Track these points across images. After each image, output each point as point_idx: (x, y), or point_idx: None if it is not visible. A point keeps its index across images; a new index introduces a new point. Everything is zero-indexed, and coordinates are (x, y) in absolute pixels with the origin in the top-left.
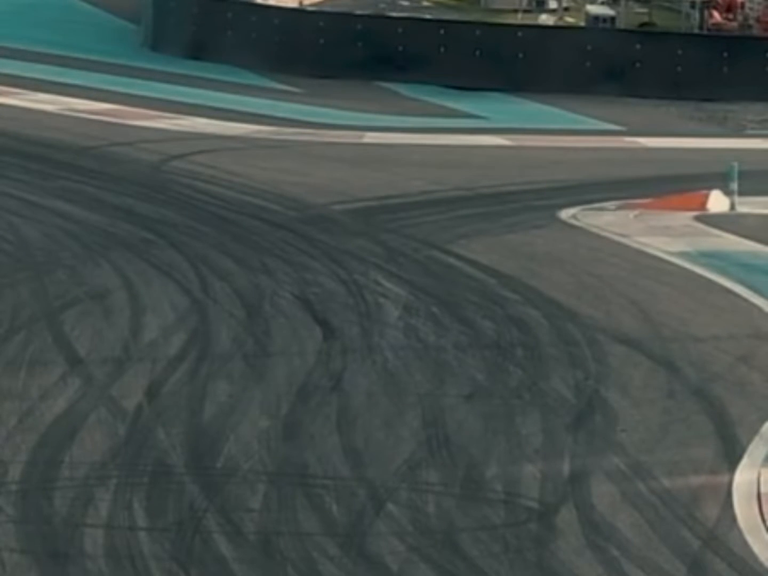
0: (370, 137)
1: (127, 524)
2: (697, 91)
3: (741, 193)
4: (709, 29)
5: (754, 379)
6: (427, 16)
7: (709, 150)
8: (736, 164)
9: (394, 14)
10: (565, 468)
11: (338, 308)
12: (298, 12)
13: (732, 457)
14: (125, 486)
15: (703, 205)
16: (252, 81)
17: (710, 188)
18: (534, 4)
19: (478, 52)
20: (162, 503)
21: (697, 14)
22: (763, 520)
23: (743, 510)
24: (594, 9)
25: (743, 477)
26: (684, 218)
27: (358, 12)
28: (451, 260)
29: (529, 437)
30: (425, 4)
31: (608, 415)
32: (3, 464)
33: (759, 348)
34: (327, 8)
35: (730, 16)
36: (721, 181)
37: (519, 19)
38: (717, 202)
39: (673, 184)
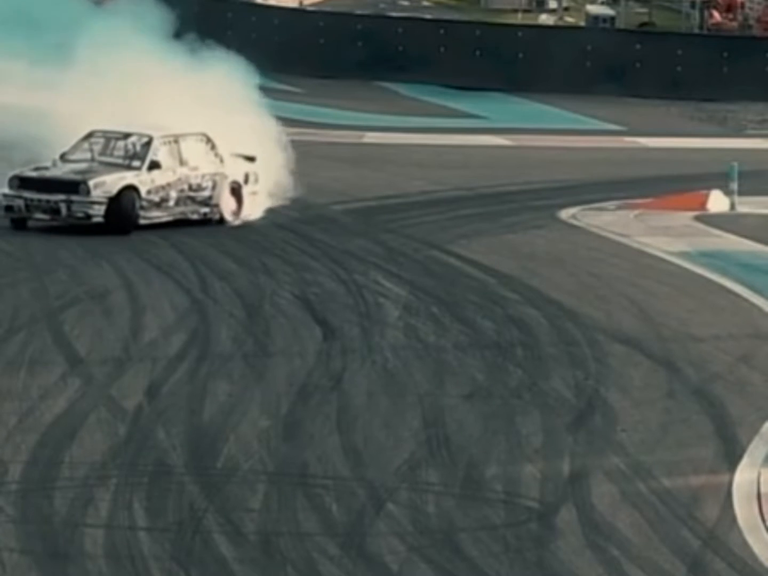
0: (370, 137)
1: (127, 524)
2: (697, 91)
3: (741, 193)
4: (709, 29)
5: (754, 379)
6: (427, 16)
7: (709, 150)
8: (736, 164)
9: (394, 14)
10: (565, 468)
11: (338, 308)
12: (298, 12)
13: (732, 457)
14: (125, 486)
15: (703, 205)
16: None
17: (710, 188)
18: (534, 4)
19: (478, 52)
20: (162, 503)
21: (697, 14)
22: (763, 520)
23: (743, 510)
24: (594, 9)
25: (743, 477)
26: (684, 218)
27: (358, 12)
28: (451, 260)
29: (529, 437)
30: (425, 4)
31: (608, 415)
32: (3, 464)
33: (759, 348)
34: (327, 8)
35: (730, 16)
36: (721, 181)
37: (519, 19)
38: (717, 202)
39: (673, 184)
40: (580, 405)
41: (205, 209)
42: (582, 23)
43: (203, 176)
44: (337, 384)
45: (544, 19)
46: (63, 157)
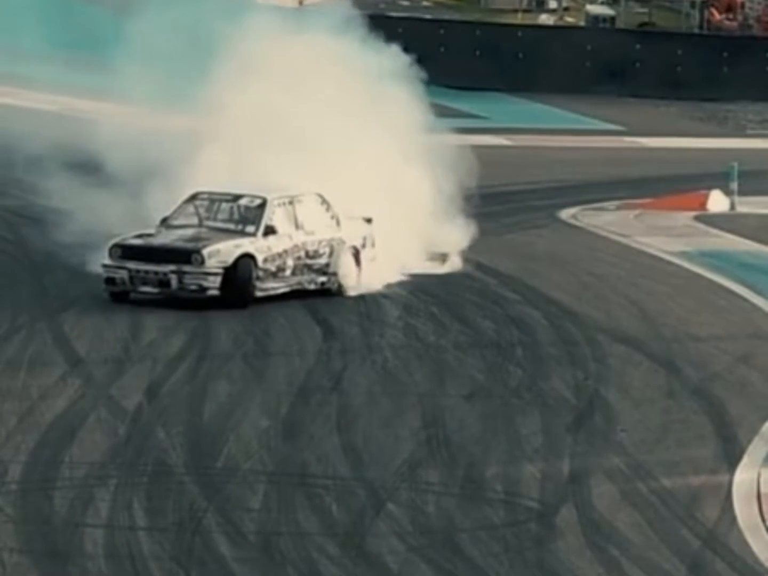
0: None
1: (127, 524)
2: (697, 91)
3: (741, 193)
4: (710, 29)
5: (754, 379)
6: (427, 16)
7: (709, 150)
8: (736, 164)
9: (394, 14)
10: (565, 468)
11: (338, 308)
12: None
13: (732, 457)
14: (125, 486)
15: (703, 205)
16: None
17: (710, 188)
18: (534, 4)
19: (478, 52)
20: (162, 503)
21: (697, 14)
22: (763, 520)
23: (743, 510)
24: (594, 9)
25: (743, 477)
26: (684, 218)
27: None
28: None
29: (529, 437)
30: (425, 4)
31: (608, 415)
32: (3, 464)
33: (759, 348)
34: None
35: (730, 15)
36: (721, 181)
37: (519, 19)
38: (717, 202)
39: (673, 184)
40: (580, 405)
41: (323, 278)
42: (582, 23)
43: (320, 242)
44: (337, 384)
45: (544, 19)
46: (166, 223)
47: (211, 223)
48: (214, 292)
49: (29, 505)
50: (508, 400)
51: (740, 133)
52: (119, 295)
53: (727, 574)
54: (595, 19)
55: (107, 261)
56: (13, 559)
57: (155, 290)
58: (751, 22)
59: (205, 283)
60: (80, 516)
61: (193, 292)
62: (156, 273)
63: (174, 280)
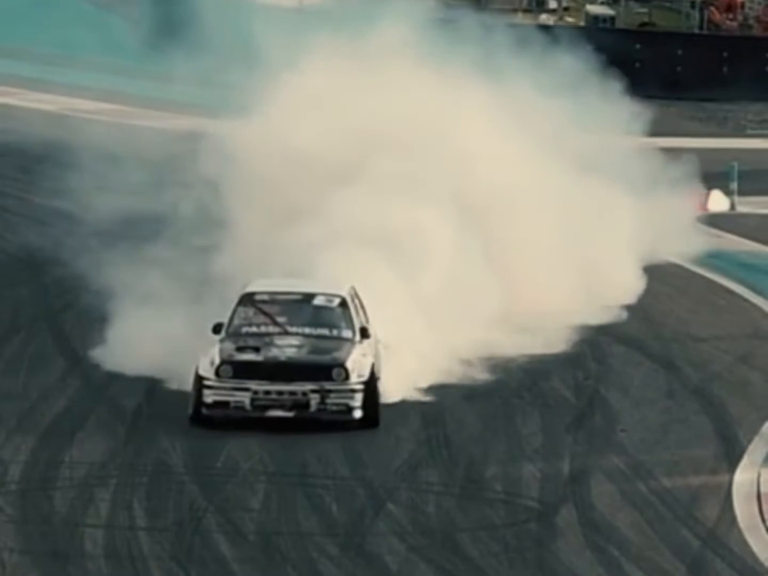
0: None
1: (127, 524)
2: (697, 91)
3: (741, 193)
4: (710, 29)
5: (754, 379)
6: None
7: (709, 150)
8: (736, 164)
9: None
10: (565, 468)
11: None
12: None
13: (732, 457)
14: (125, 486)
15: (703, 205)
16: None
17: (710, 188)
18: (534, 4)
19: None
20: (162, 503)
21: (697, 14)
22: (763, 520)
23: (743, 510)
24: (594, 9)
25: (743, 477)
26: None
27: None
28: None
29: (529, 437)
30: None
31: (608, 415)
32: (3, 464)
33: (759, 348)
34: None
35: (730, 15)
36: (721, 181)
37: (519, 19)
38: (717, 202)
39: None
40: (580, 405)
41: None
42: (582, 23)
43: (375, 343)
44: None
45: (544, 19)
46: (231, 331)
47: (295, 329)
48: (359, 413)
49: (29, 505)
50: (508, 400)
51: (740, 133)
52: (207, 419)
53: (727, 574)
54: (595, 19)
55: (214, 382)
56: (13, 559)
57: (289, 414)
58: (751, 22)
59: (352, 402)
60: (80, 516)
61: (336, 414)
62: (292, 393)
63: (315, 401)
